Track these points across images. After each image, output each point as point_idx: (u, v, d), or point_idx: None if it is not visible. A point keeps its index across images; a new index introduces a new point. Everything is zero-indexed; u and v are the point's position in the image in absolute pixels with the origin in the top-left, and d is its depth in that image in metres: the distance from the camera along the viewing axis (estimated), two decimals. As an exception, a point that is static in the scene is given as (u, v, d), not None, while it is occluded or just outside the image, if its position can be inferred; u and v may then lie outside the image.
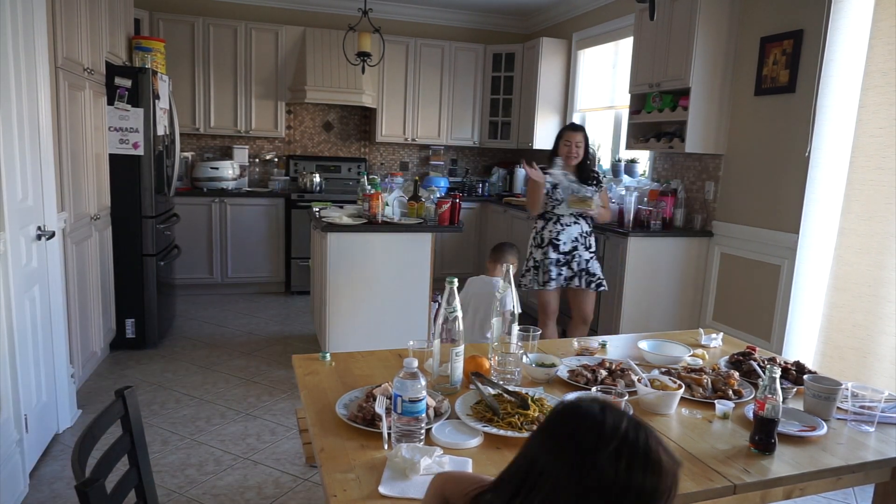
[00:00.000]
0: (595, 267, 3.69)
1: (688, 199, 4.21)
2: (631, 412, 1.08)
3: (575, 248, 3.63)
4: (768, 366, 1.48)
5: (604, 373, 1.81)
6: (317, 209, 4.08)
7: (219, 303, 5.38)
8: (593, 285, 3.65)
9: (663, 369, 1.88)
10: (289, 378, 3.71)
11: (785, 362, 1.95)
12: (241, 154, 5.90)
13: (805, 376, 1.77)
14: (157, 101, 4.03)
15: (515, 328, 1.85)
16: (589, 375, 1.79)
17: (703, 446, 1.47)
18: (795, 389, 1.79)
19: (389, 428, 1.38)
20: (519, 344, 1.84)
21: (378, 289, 3.75)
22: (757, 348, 2.08)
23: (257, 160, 6.14)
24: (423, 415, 1.37)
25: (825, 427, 1.56)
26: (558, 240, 3.62)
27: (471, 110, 6.44)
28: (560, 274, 3.63)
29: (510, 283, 1.86)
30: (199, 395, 3.47)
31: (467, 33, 6.54)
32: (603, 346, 2.19)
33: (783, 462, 1.42)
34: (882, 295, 2.86)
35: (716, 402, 1.67)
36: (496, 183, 6.55)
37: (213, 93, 5.64)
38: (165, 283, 4.40)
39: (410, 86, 6.19)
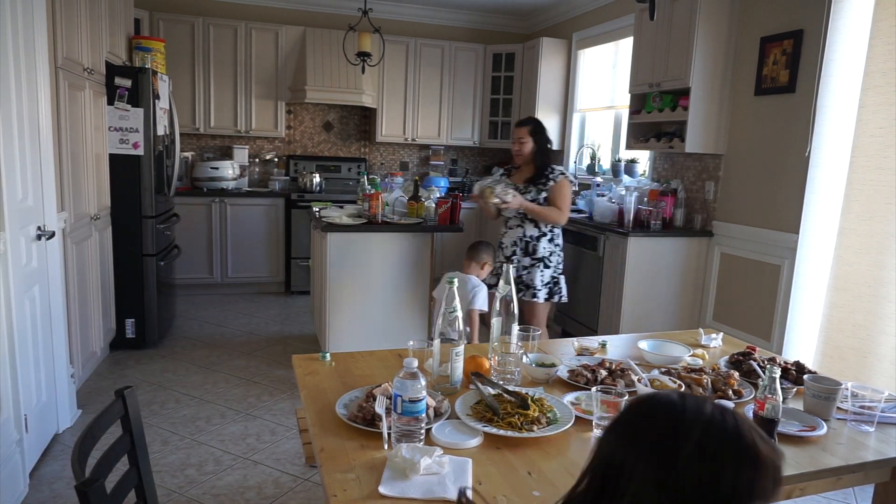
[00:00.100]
0: (533, 276, 3.46)
1: (688, 199, 4.21)
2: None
3: (514, 253, 3.51)
4: (768, 366, 1.48)
5: (604, 373, 1.81)
6: (317, 209, 4.08)
7: (219, 303, 5.38)
8: (528, 295, 3.46)
9: (663, 369, 1.88)
10: (289, 378, 3.71)
11: (785, 362, 1.95)
12: (241, 154, 5.90)
13: (805, 376, 1.77)
14: (157, 101, 4.03)
15: (515, 328, 1.85)
16: (589, 375, 1.79)
17: (703, 446, 1.47)
18: (795, 389, 1.79)
19: (389, 428, 1.38)
20: (519, 344, 1.85)
21: (378, 289, 3.75)
22: (757, 348, 2.08)
23: (257, 160, 6.14)
24: (423, 415, 1.37)
25: (825, 427, 1.56)
26: (502, 243, 3.60)
27: (471, 110, 6.44)
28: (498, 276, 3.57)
29: (509, 283, 1.86)
30: (199, 395, 3.47)
31: (467, 33, 6.54)
32: (603, 346, 2.19)
33: (783, 462, 1.42)
34: (882, 295, 2.86)
35: (716, 402, 1.66)
36: (496, 183, 6.55)
37: (213, 93, 5.63)
38: (165, 283, 4.40)
39: (410, 86, 6.19)
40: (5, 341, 2.33)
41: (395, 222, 3.78)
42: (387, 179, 5.18)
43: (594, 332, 4.16)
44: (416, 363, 1.37)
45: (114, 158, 3.89)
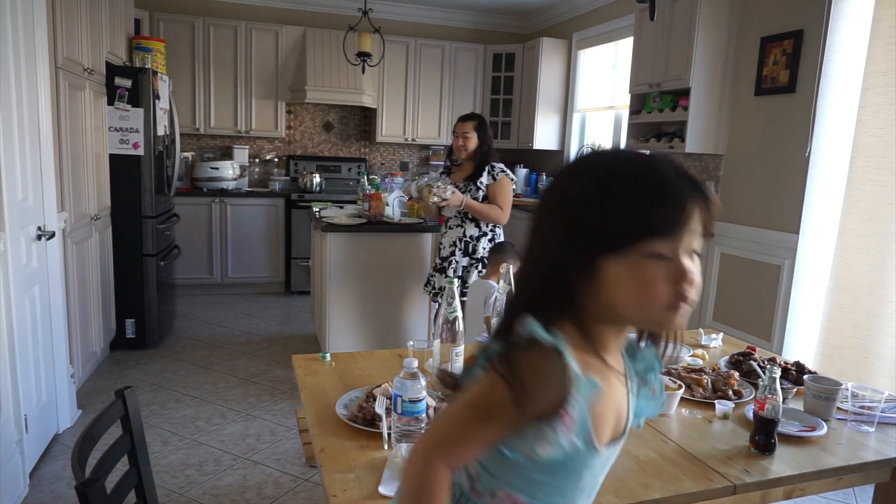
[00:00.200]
0: (470, 276, 3.34)
1: (688, 200, 4.20)
2: None
3: (452, 254, 3.39)
4: (768, 366, 1.48)
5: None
6: (317, 209, 4.09)
7: (219, 303, 5.38)
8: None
9: (663, 369, 1.88)
10: (289, 378, 3.71)
11: (785, 362, 1.95)
12: (242, 154, 5.90)
13: (805, 376, 1.77)
14: (157, 101, 4.03)
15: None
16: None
17: (703, 447, 1.47)
18: (795, 389, 1.79)
19: (389, 428, 1.38)
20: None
21: (378, 289, 3.75)
22: (757, 348, 2.08)
23: (257, 160, 6.14)
24: (424, 415, 1.37)
25: (825, 427, 1.56)
26: (441, 244, 3.51)
27: (471, 110, 6.43)
28: (433, 277, 3.51)
29: (510, 283, 1.86)
30: (199, 395, 3.47)
31: (467, 33, 6.54)
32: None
33: (783, 462, 1.42)
34: (882, 295, 2.86)
35: (716, 402, 1.67)
36: (496, 183, 6.54)
37: (213, 93, 5.63)
38: (165, 283, 4.40)
39: (410, 86, 6.19)
40: (5, 341, 2.33)
41: (394, 222, 3.79)
42: (387, 179, 5.18)
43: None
44: (416, 363, 1.37)
45: (114, 158, 3.89)
